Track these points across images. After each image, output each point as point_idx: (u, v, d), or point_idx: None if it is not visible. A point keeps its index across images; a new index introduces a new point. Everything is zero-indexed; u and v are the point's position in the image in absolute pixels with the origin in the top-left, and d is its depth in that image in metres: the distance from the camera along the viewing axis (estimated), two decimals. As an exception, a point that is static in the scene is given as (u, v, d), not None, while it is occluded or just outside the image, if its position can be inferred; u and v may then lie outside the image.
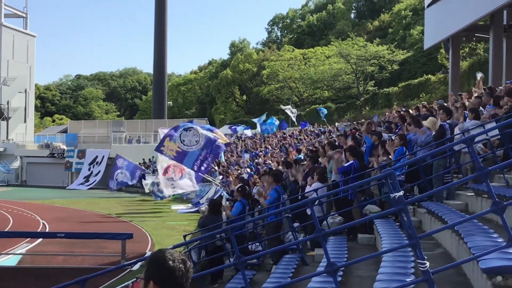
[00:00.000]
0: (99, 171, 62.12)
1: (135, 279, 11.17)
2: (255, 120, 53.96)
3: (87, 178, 62.12)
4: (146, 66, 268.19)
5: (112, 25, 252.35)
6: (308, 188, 12.87)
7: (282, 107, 57.25)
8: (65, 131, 78.26)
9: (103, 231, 21.85)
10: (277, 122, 50.07)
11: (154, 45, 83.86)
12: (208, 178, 32.23)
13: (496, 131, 10.43)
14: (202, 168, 21.22)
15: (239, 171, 31.28)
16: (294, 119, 55.58)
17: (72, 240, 20.76)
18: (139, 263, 14.01)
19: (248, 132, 53.57)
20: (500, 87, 18.92)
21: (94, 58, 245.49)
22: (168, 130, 22.34)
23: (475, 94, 17.40)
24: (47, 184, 61.26)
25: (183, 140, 20.93)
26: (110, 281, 15.18)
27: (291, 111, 53.88)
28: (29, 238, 22.14)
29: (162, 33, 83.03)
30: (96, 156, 63.51)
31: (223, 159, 38.12)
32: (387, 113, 28.97)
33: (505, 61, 30.97)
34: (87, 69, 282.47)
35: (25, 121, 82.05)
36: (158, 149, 22.07)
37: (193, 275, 3.30)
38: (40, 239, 22.49)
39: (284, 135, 46.13)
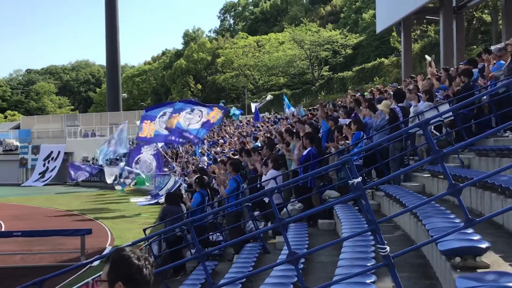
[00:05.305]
0: (55, 167, 61.14)
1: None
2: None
3: (42, 174, 61.09)
4: (99, 58, 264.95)
5: (62, 17, 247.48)
6: (264, 177, 12.87)
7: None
8: (17, 127, 76.44)
9: (61, 228, 21.52)
10: (237, 112, 48.92)
11: (105, 36, 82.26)
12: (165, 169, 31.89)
13: (450, 113, 10.57)
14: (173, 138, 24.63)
15: (196, 161, 31.17)
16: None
17: (29, 238, 20.34)
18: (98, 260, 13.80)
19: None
20: (452, 68, 19.22)
21: (44, 51, 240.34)
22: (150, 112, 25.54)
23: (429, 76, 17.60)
24: (1, 182, 59.73)
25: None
26: (70, 278, 14.98)
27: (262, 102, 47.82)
28: (-16, 238, 21.58)
29: (114, 24, 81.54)
30: (51, 152, 62.43)
31: (181, 149, 37.64)
32: (338, 100, 29.17)
33: (455, 42, 31.56)
34: (38, 63, 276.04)
35: (-25, 119, 79.99)
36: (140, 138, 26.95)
37: (156, 269, 3.24)
38: (-5, 239, 21.99)
39: (241, 123, 46.01)
